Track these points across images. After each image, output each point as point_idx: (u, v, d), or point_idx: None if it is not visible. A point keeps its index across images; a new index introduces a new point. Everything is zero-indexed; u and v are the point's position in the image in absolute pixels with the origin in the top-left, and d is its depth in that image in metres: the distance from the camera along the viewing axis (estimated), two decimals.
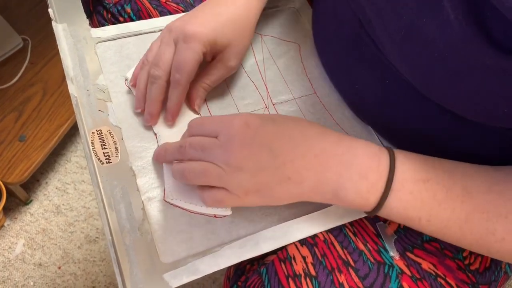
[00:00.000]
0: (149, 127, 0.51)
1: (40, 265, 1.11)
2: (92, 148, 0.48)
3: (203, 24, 0.49)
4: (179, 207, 0.46)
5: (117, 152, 0.48)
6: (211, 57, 0.53)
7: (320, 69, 0.61)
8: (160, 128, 0.51)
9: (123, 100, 0.53)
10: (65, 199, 1.21)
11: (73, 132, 1.31)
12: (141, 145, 0.50)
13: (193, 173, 0.41)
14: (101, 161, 0.47)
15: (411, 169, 0.40)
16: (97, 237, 1.16)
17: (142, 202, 0.46)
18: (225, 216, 0.46)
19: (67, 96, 1.20)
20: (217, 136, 0.41)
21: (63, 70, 1.28)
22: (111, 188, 0.46)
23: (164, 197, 0.46)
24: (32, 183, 1.22)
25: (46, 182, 1.24)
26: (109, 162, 0.47)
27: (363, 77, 0.50)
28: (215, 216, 0.46)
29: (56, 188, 1.23)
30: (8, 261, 1.11)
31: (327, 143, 0.41)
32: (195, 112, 0.54)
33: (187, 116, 0.53)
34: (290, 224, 0.46)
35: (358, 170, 0.40)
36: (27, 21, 1.30)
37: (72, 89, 0.51)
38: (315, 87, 0.59)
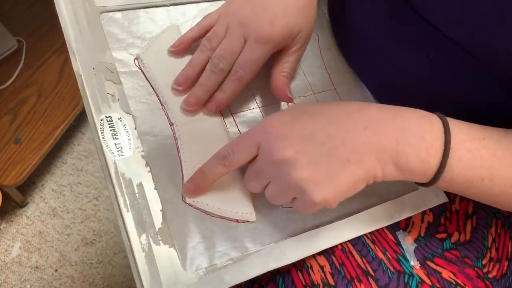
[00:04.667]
0: (164, 118, 0.46)
1: (36, 268, 1.09)
2: (102, 138, 0.42)
3: (275, 23, 0.46)
4: (199, 209, 0.42)
5: (130, 143, 0.43)
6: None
7: (340, 63, 0.56)
8: (179, 118, 0.46)
9: (134, 83, 0.47)
10: (61, 201, 1.19)
11: (69, 134, 1.28)
12: (157, 137, 0.44)
13: (272, 199, 0.40)
14: (112, 153, 0.42)
15: (464, 129, 0.38)
16: (94, 239, 1.14)
17: (161, 203, 0.41)
18: (248, 221, 0.43)
19: (63, 97, 1.17)
20: (258, 147, 0.38)
21: (58, 72, 1.22)
22: (126, 185, 0.41)
23: (182, 197, 0.42)
24: (28, 186, 1.19)
25: (42, 185, 1.21)
26: (121, 155, 0.42)
27: (404, 57, 0.47)
28: (237, 221, 0.42)
29: (52, 191, 1.20)
30: (5, 264, 1.08)
31: (372, 112, 0.38)
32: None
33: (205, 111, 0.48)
34: (316, 233, 0.43)
35: (413, 133, 0.37)
36: (22, 23, 1.26)
37: (76, 66, 0.45)
38: (335, 82, 0.55)
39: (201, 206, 0.42)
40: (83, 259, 1.11)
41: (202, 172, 0.41)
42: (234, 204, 0.43)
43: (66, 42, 0.46)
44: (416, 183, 0.40)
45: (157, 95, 0.47)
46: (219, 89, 0.47)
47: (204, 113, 0.47)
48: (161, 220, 0.41)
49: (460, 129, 0.37)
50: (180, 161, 0.44)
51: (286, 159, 0.36)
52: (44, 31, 1.24)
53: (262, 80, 0.51)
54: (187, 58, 0.49)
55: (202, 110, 0.48)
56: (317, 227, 0.43)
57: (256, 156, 0.39)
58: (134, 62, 0.48)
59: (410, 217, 0.47)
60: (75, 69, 0.45)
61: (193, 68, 0.47)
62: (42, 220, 1.15)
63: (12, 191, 1.09)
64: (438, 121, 0.38)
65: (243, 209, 0.43)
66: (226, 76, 0.47)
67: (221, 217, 0.42)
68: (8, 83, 1.17)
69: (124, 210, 0.40)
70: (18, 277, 1.07)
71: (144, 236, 0.39)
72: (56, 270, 1.09)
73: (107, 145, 0.42)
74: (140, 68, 0.48)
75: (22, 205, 1.17)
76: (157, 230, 0.40)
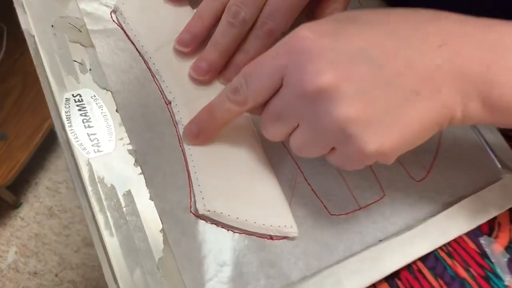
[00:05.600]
0: (156, 94, 0.36)
1: (35, 273, 1.06)
2: (69, 126, 0.33)
3: None
4: (217, 222, 0.32)
5: (109, 133, 0.33)
6: None
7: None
8: (179, 94, 0.36)
9: (112, 45, 0.37)
10: (57, 200, 1.15)
11: None
12: (148, 122, 0.35)
13: (300, 150, 0.30)
14: (85, 148, 0.32)
15: None
16: None
17: (161, 220, 0.31)
18: (286, 238, 0.33)
19: None
20: (282, 73, 0.29)
21: None
22: (107, 196, 0.31)
23: (191, 208, 0.32)
24: (20, 185, 1.15)
25: (36, 183, 1.17)
26: (98, 151, 0.32)
27: None
28: (271, 238, 0.33)
29: (47, 188, 1.17)
30: (0, 271, 1.05)
31: (450, 23, 0.29)
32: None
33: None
34: (381, 249, 0.33)
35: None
36: (1, 7, 1.19)
37: (25, 22, 0.36)
38: None
39: (220, 218, 0.31)
40: (85, 261, 1.07)
41: (209, 111, 0.33)
42: (267, 213, 0.33)
43: None
44: (502, 129, 0.32)
45: (145, 62, 0.37)
46: (239, 49, 0.38)
47: (216, 85, 0.38)
48: (162, 245, 0.30)
49: None
50: (184, 155, 0.34)
51: (325, 89, 0.27)
52: None
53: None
54: (186, 10, 0.39)
55: (215, 81, 0.37)
56: (381, 240, 0.34)
57: (280, 87, 0.30)
58: (111, 16, 0.38)
59: (495, 218, 0.38)
60: (23, 27, 0.36)
61: (202, 20, 0.37)
62: (38, 221, 1.12)
63: (3, 191, 1.06)
64: None
65: (280, 220, 0.32)
66: (250, 30, 0.37)
67: (249, 233, 0.32)
68: None
69: (105, 233, 0.30)
70: (16, 285, 1.04)
71: (138, 272, 0.29)
72: (56, 275, 1.06)
73: (77, 137, 0.32)
74: (119, 25, 0.38)
75: (16, 206, 1.13)
76: (156, 262, 0.30)
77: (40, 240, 1.09)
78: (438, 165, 0.38)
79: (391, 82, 0.27)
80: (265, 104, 0.31)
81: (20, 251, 1.07)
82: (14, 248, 1.07)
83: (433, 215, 0.36)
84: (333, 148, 0.29)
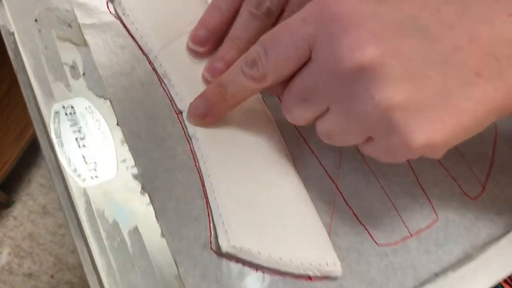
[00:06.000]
0: (165, 101, 0.31)
1: (30, 275, 1.05)
2: (59, 147, 0.28)
3: None
4: (243, 262, 0.27)
5: (110, 153, 0.29)
6: None
7: None
8: (191, 98, 0.31)
9: (109, 43, 0.33)
10: (51, 197, 1.14)
11: None
12: (155, 137, 0.30)
13: (330, 137, 0.26)
14: (79, 175, 0.27)
15: None
16: None
17: (175, 261, 0.26)
18: (327, 277, 0.28)
19: None
20: (311, 44, 0.24)
21: None
22: (108, 235, 0.26)
23: (211, 243, 0.27)
24: (12, 182, 1.14)
25: (29, 180, 1.16)
26: (96, 177, 0.28)
27: None
28: (309, 278, 0.28)
29: (41, 186, 1.15)
30: None
31: None
32: None
33: None
34: (441, 285, 0.29)
35: None
36: None
37: (2, 16, 0.32)
38: None
39: (248, 256, 0.26)
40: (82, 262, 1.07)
41: (219, 86, 0.29)
42: (305, 248, 0.28)
43: None
44: None
45: (150, 62, 0.32)
46: None
47: None
48: None
49: None
50: (201, 176, 0.29)
51: (365, 66, 0.23)
52: None
53: None
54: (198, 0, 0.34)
55: None
56: (436, 274, 0.29)
57: (308, 61, 0.26)
58: (107, 7, 0.33)
59: None
60: (0, 23, 0.31)
61: (220, 11, 0.32)
62: (31, 220, 1.11)
63: None
64: None
65: (321, 256, 0.27)
66: (276, 22, 0.32)
67: (282, 274, 0.27)
68: None
69: (107, 282, 0.25)
70: (10, 287, 1.03)
71: None
72: (52, 276, 1.05)
73: (69, 161, 0.27)
74: (118, 17, 0.33)
75: (8, 205, 1.12)
76: None
77: (35, 240, 1.08)
78: (494, 178, 0.34)
79: (447, 59, 0.23)
80: (287, 81, 0.26)
81: (14, 252, 1.06)
82: (8, 249, 1.06)
83: (493, 239, 0.31)
84: (370, 137, 0.25)
